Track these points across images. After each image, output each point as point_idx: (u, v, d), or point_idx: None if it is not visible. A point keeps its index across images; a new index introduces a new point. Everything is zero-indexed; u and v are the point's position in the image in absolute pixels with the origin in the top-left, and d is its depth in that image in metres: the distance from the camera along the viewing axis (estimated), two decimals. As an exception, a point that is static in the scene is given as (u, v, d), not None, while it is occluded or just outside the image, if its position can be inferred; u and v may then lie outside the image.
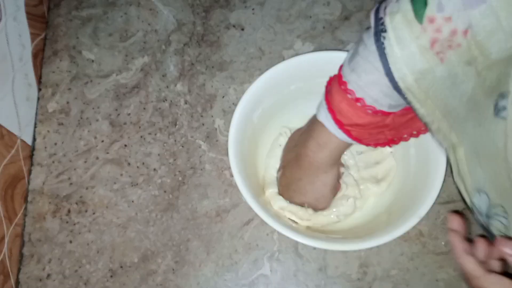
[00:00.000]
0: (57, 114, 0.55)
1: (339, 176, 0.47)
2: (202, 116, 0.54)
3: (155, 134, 0.53)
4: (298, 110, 0.47)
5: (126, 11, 0.60)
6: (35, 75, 0.55)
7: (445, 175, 0.40)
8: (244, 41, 0.58)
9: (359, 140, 0.39)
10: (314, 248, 0.48)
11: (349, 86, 0.36)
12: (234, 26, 0.58)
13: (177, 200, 0.51)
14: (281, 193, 0.46)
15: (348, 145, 0.40)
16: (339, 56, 0.41)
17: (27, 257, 0.49)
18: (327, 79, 0.41)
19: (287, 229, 0.39)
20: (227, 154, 0.52)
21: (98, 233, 0.49)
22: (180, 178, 0.51)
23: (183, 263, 0.48)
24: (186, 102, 0.55)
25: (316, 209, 0.45)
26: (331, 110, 0.38)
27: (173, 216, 0.50)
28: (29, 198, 0.51)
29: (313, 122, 0.41)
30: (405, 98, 0.33)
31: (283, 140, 0.49)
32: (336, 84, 0.38)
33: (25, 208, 0.51)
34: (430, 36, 0.30)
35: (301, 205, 0.45)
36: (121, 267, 0.48)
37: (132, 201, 0.51)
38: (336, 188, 0.45)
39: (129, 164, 0.52)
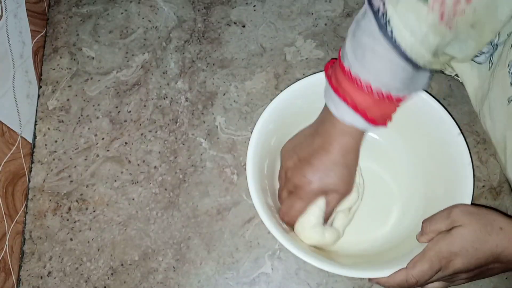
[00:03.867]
0: (57, 111, 0.54)
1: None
2: (203, 113, 0.54)
3: (156, 132, 0.53)
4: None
5: (127, 7, 0.59)
6: (35, 72, 0.55)
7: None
8: (245, 38, 0.57)
9: (377, 122, 0.40)
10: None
11: (372, 85, 0.37)
12: (235, 23, 0.58)
13: (177, 198, 0.50)
14: (289, 178, 0.43)
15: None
16: None
17: (28, 255, 0.49)
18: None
19: (313, 257, 0.38)
20: (228, 152, 0.52)
21: (98, 231, 0.49)
22: (180, 176, 0.51)
23: (184, 261, 0.48)
24: (186, 100, 0.55)
25: (329, 188, 0.41)
26: (358, 111, 0.38)
27: (173, 214, 0.50)
28: (30, 196, 0.51)
29: (329, 120, 0.41)
30: (424, 69, 0.36)
31: None
32: (347, 82, 0.38)
33: (26, 206, 0.51)
34: (438, 12, 0.32)
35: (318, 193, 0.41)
36: (122, 265, 0.48)
37: (133, 199, 0.50)
38: (351, 174, 0.42)
39: (129, 161, 0.52)
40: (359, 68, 0.37)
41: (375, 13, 0.34)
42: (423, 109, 0.42)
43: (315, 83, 0.44)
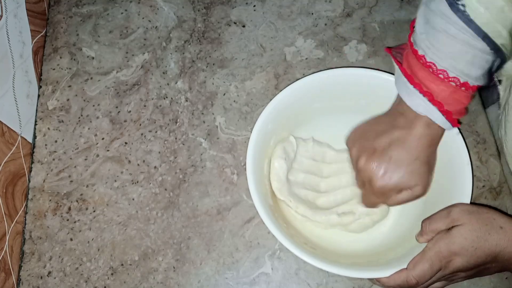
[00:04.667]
0: (57, 111, 0.54)
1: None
2: (203, 113, 0.54)
3: (156, 132, 0.53)
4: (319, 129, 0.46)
5: (127, 7, 0.59)
6: (35, 72, 0.55)
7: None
8: (245, 38, 0.57)
9: (456, 120, 0.38)
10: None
11: (449, 72, 0.35)
12: (235, 22, 0.58)
13: (177, 198, 0.50)
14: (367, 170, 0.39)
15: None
16: (367, 75, 0.42)
17: (28, 255, 0.49)
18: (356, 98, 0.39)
19: (314, 257, 0.38)
20: (228, 152, 0.52)
21: (98, 231, 0.49)
22: (180, 176, 0.51)
23: (184, 261, 0.48)
24: (186, 100, 0.55)
25: (407, 186, 0.39)
26: (434, 102, 0.36)
27: (173, 214, 0.50)
28: (30, 196, 0.51)
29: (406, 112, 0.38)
30: (501, 52, 0.34)
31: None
32: (423, 70, 0.36)
33: (26, 206, 0.51)
34: None
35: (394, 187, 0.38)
36: (122, 265, 0.48)
37: (133, 199, 0.50)
38: (431, 173, 0.40)
39: (129, 161, 0.52)
40: (434, 54, 0.35)
41: None
42: None
43: (314, 83, 0.44)
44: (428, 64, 0.35)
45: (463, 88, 0.36)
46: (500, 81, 0.43)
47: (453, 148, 0.41)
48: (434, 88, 0.36)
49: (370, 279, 0.40)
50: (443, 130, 0.39)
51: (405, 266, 0.37)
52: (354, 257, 0.44)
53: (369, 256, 0.43)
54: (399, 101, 0.40)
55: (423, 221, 0.39)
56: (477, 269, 0.37)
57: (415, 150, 0.38)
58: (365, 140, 0.40)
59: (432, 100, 0.36)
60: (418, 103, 0.37)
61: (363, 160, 0.40)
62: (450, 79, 0.35)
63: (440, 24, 0.34)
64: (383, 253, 0.43)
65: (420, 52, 0.36)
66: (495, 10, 0.31)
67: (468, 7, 0.32)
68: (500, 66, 0.38)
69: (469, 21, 0.32)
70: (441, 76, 0.35)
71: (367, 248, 0.45)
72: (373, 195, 0.40)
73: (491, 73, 0.37)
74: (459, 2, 0.32)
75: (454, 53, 0.34)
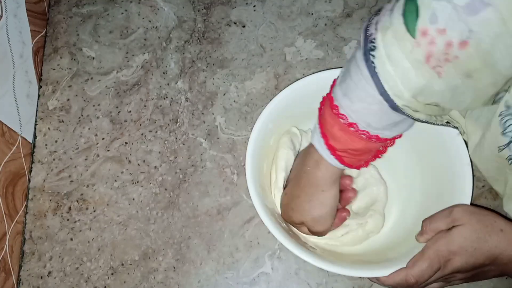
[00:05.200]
0: (57, 111, 0.54)
1: (344, 200, 0.45)
2: (203, 113, 0.54)
3: (156, 132, 0.53)
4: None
5: (127, 8, 0.59)
6: (35, 72, 0.55)
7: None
8: (245, 38, 0.57)
9: (350, 166, 0.38)
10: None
11: (341, 111, 0.35)
12: (235, 23, 0.58)
13: (177, 198, 0.50)
14: (282, 214, 0.44)
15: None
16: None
17: (28, 255, 0.49)
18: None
19: (313, 257, 0.38)
20: (228, 152, 0.52)
21: (98, 231, 0.49)
22: (181, 176, 0.51)
23: (184, 261, 0.48)
24: (187, 100, 0.55)
25: (314, 231, 0.42)
26: (324, 135, 0.37)
27: (174, 214, 0.50)
28: (30, 196, 0.51)
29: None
30: (403, 113, 0.33)
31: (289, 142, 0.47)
32: (328, 107, 0.36)
33: (26, 206, 0.51)
34: (424, 50, 0.28)
35: (300, 226, 0.42)
36: (122, 264, 0.48)
37: (133, 199, 0.50)
38: (334, 211, 0.42)
39: (129, 161, 0.52)
40: (346, 102, 0.35)
41: (366, 38, 0.32)
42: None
43: (314, 83, 0.44)
44: (340, 114, 0.35)
45: (375, 140, 0.35)
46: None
47: (454, 149, 0.41)
48: (340, 145, 0.36)
49: (369, 278, 0.40)
50: (335, 172, 0.39)
51: (405, 265, 0.37)
52: (353, 256, 0.44)
53: (369, 256, 0.43)
54: (310, 153, 0.41)
55: (423, 221, 0.39)
56: (476, 271, 0.37)
57: (301, 189, 0.41)
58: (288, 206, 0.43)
59: (335, 154, 0.37)
60: (324, 153, 0.38)
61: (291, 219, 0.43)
62: (359, 132, 0.35)
63: (352, 72, 0.34)
64: (382, 253, 0.43)
65: (335, 98, 0.36)
66: (401, 71, 0.30)
67: (377, 59, 0.31)
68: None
69: (374, 73, 0.31)
70: (350, 130, 0.35)
71: (366, 247, 0.45)
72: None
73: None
74: (372, 53, 0.31)
75: (361, 105, 0.34)
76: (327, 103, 0.37)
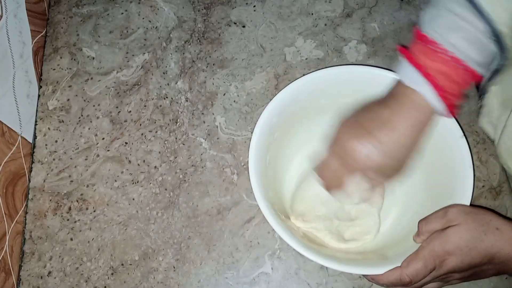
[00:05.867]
0: (57, 111, 0.54)
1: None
2: (203, 113, 0.54)
3: (156, 132, 0.53)
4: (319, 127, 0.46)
5: (127, 8, 0.59)
6: (35, 72, 0.55)
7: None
8: (245, 38, 0.57)
9: (451, 107, 0.36)
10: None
11: (440, 45, 0.35)
12: (235, 23, 0.58)
13: (178, 198, 0.50)
14: (341, 142, 0.39)
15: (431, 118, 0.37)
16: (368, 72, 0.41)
17: (28, 255, 0.49)
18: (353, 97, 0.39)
19: (311, 252, 0.37)
20: (228, 152, 0.52)
21: (98, 231, 0.49)
22: (181, 176, 0.51)
23: (184, 261, 0.48)
24: (187, 100, 0.55)
25: (381, 170, 0.38)
26: (427, 75, 0.35)
27: (174, 214, 0.50)
28: (30, 196, 0.51)
29: (401, 94, 0.37)
30: (502, 44, 0.34)
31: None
32: (420, 45, 0.36)
33: (26, 206, 0.51)
34: None
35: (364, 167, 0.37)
36: (122, 264, 0.48)
37: (133, 199, 0.51)
38: (412, 158, 0.38)
39: (129, 161, 0.52)
40: (436, 32, 0.35)
41: None
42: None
43: (321, 79, 0.44)
44: (428, 41, 0.35)
45: (461, 67, 0.35)
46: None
47: (457, 150, 0.41)
48: (430, 64, 0.35)
49: (365, 276, 0.40)
50: (434, 114, 0.37)
51: (400, 264, 0.37)
52: (352, 253, 0.44)
53: (366, 254, 0.43)
54: (393, 87, 0.39)
55: (419, 221, 0.39)
56: (473, 271, 0.37)
57: (402, 135, 0.37)
58: (355, 121, 0.39)
59: (425, 73, 0.35)
60: (409, 76, 0.36)
61: (346, 136, 0.39)
62: (448, 55, 0.35)
63: (446, 4, 0.34)
64: (379, 251, 0.43)
65: (422, 31, 0.36)
66: None
67: None
68: (496, 73, 0.37)
69: (476, 4, 0.32)
70: (440, 53, 0.35)
71: (365, 245, 0.45)
72: (339, 173, 0.39)
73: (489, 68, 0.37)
74: None
75: (457, 32, 0.34)
76: (418, 41, 0.36)
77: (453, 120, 0.41)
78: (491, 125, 0.42)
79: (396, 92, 0.38)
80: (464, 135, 0.41)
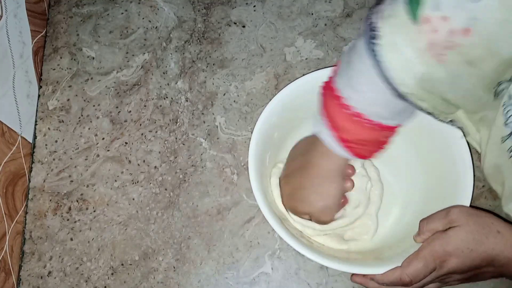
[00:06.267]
0: (57, 111, 0.54)
1: (344, 190, 0.45)
2: (203, 113, 0.54)
3: (156, 132, 0.53)
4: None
5: (127, 8, 0.59)
6: (35, 72, 0.55)
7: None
8: (245, 38, 0.57)
9: (361, 156, 0.38)
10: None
11: (344, 101, 0.35)
12: (235, 23, 0.58)
13: (178, 198, 0.50)
14: (284, 203, 0.44)
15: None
16: None
17: (28, 255, 0.49)
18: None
19: (310, 251, 0.38)
20: (228, 152, 0.52)
21: (98, 231, 0.49)
22: (181, 176, 0.51)
23: (184, 261, 0.48)
24: (187, 100, 0.55)
25: (319, 221, 0.42)
26: (332, 126, 0.37)
27: (174, 214, 0.50)
28: (30, 196, 0.51)
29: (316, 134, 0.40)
30: (408, 101, 0.33)
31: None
32: (330, 98, 0.36)
33: (26, 206, 0.51)
34: (427, 38, 0.28)
35: (304, 216, 0.43)
36: (122, 264, 0.48)
37: (133, 199, 0.51)
38: (340, 200, 0.42)
39: (129, 161, 0.52)
40: (349, 92, 0.34)
41: (368, 26, 0.32)
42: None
43: (320, 79, 0.44)
44: (343, 103, 0.35)
45: (373, 125, 0.35)
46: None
47: (457, 151, 0.41)
48: (346, 126, 0.36)
49: (365, 276, 0.40)
50: (343, 160, 0.39)
51: (400, 264, 0.37)
52: (351, 253, 0.44)
53: (366, 253, 0.43)
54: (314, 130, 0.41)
55: (421, 221, 0.39)
56: (473, 272, 0.37)
57: (308, 181, 0.41)
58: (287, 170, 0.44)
59: (346, 146, 0.37)
60: (328, 140, 0.38)
61: (286, 198, 0.44)
62: (363, 119, 0.35)
63: (355, 62, 0.33)
64: (380, 251, 0.43)
65: (337, 88, 0.35)
66: (404, 59, 0.30)
67: (380, 47, 0.31)
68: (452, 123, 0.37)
69: (377, 61, 0.31)
70: (354, 118, 0.35)
71: (364, 245, 0.45)
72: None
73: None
74: (374, 41, 0.31)
75: (365, 92, 0.34)
76: (328, 94, 0.37)
77: None
78: (476, 142, 0.42)
79: (314, 142, 0.40)
80: (464, 135, 0.41)
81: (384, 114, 0.35)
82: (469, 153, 0.41)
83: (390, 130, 0.37)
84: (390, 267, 0.37)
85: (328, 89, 0.37)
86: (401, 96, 0.32)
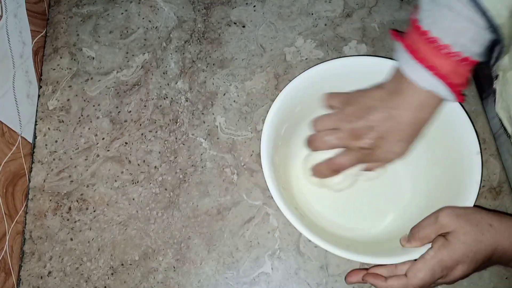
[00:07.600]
0: (57, 111, 0.54)
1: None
2: (203, 113, 0.54)
3: (156, 132, 0.53)
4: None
5: (127, 8, 0.59)
6: (35, 72, 0.55)
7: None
8: (245, 38, 0.57)
9: (454, 87, 0.38)
10: (316, 246, 0.48)
11: (433, 34, 0.36)
12: (235, 23, 0.58)
13: (178, 198, 0.50)
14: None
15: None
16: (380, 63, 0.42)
17: (28, 255, 0.49)
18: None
19: (328, 243, 0.38)
20: (228, 152, 0.52)
21: (98, 231, 0.49)
22: (181, 176, 0.51)
23: (184, 261, 0.48)
24: (187, 100, 0.55)
25: (383, 138, 0.40)
26: (440, 75, 0.37)
27: (174, 214, 0.50)
28: (30, 196, 0.51)
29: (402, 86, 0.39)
30: (499, 35, 0.35)
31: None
32: (426, 45, 0.37)
33: (26, 206, 0.51)
34: None
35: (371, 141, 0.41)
36: (122, 264, 0.48)
37: (133, 199, 0.51)
38: (414, 136, 0.41)
39: (129, 161, 0.52)
40: (438, 29, 0.36)
41: None
42: (448, 116, 0.42)
43: (331, 70, 0.44)
44: (431, 39, 0.36)
45: (464, 63, 0.37)
46: (497, 76, 0.44)
47: (469, 164, 0.41)
48: (436, 62, 0.37)
49: (366, 281, 0.40)
50: (439, 103, 0.40)
51: (403, 258, 0.37)
52: (353, 242, 0.44)
53: (368, 244, 0.44)
54: (395, 79, 0.41)
55: (412, 228, 0.39)
56: (475, 270, 0.38)
57: (412, 125, 0.40)
58: (359, 108, 0.42)
59: (437, 73, 0.37)
60: (423, 78, 0.38)
61: (354, 110, 0.41)
62: (452, 54, 0.36)
63: (445, 0, 0.35)
64: (381, 243, 0.43)
65: (423, 28, 0.37)
66: None
67: None
68: (499, 57, 0.38)
69: None
70: (444, 51, 0.36)
71: (368, 235, 0.45)
72: (351, 155, 0.42)
73: (491, 52, 0.38)
74: None
75: (458, 29, 0.35)
76: (415, 33, 0.37)
77: (473, 133, 0.42)
78: (505, 110, 0.43)
79: (401, 88, 0.39)
80: (481, 152, 0.41)
81: (475, 48, 0.36)
82: (477, 140, 0.41)
83: (474, 64, 0.37)
84: (393, 259, 0.37)
85: (413, 28, 0.38)
86: (495, 28, 0.34)
